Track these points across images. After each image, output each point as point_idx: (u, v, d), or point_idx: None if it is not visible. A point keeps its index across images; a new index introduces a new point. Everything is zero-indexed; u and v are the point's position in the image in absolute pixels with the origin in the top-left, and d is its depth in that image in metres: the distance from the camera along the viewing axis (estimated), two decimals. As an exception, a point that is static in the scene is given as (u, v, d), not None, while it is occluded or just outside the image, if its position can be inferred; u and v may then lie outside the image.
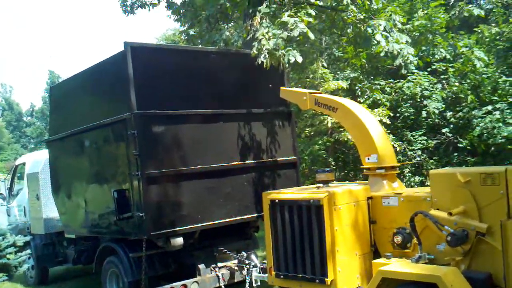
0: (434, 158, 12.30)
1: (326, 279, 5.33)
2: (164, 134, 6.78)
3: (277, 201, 5.80)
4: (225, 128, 7.34)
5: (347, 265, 5.42)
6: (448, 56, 10.29)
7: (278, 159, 7.83)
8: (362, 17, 8.13)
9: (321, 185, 5.98)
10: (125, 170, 6.81)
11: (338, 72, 13.47)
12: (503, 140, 10.26)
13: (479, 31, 12.67)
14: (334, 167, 13.36)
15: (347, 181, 7.52)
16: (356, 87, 12.63)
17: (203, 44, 11.01)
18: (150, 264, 6.97)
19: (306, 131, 13.14)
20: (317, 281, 5.41)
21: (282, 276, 5.77)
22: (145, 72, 6.74)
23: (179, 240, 6.76)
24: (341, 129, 12.61)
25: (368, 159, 6.00)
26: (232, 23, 11.90)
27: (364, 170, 6.12)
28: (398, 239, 5.43)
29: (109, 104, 7.29)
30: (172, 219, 6.70)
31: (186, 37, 12.76)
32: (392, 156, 6.13)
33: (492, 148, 10.90)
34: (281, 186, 7.42)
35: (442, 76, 12.39)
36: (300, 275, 5.57)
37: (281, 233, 5.74)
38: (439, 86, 12.28)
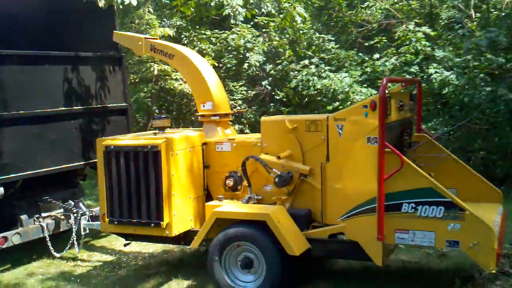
0: (252, 107, 13.01)
1: (161, 222, 5.45)
2: (-18, 76, 6.15)
3: (112, 147, 5.68)
4: (51, 71, 6.87)
5: (182, 209, 5.60)
6: (273, 11, 10.81)
7: (108, 105, 7.61)
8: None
9: (157, 131, 6.03)
10: None
11: (165, 20, 13.29)
12: (315, 92, 11.25)
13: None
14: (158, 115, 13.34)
15: (181, 128, 7.65)
16: (183, 36, 12.63)
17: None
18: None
19: (132, 78, 12.84)
20: (153, 225, 5.51)
21: (116, 222, 5.74)
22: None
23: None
24: (167, 77, 12.60)
25: (203, 106, 6.18)
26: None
27: (199, 117, 6.30)
28: (230, 182, 5.75)
29: None
30: (-9, 168, 6.19)
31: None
32: (226, 103, 6.39)
33: (306, 99, 11.89)
34: (111, 133, 7.25)
35: (264, 30, 12.99)
36: (135, 220, 5.62)
37: (116, 180, 5.67)
38: (261, 39, 12.87)
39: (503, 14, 10.04)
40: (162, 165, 5.42)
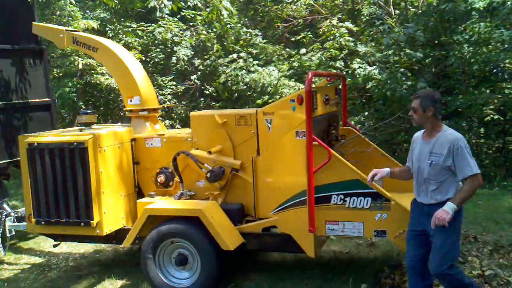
0: (183, 102, 12.89)
1: (91, 221, 5.30)
2: None
3: (36, 144, 5.45)
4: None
5: (112, 206, 5.48)
6: (200, 4, 10.70)
7: (29, 100, 7.29)
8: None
9: (83, 127, 5.84)
10: None
11: (88, 11, 12.86)
12: (244, 86, 11.29)
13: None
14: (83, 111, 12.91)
15: (109, 123, 7.45)
16: (108, 29, 12.27)
17: None
18: None
19: (55, 72, 12.33)
20: (82, 224, 5.35)
21: (43, 223, 5.52)
22: None
23: None
24: (93, 71, 12.22)
25: (131, 101, 6.05)
26: None
27: (127, 112, 6.17)
28: (161, 178, 5.67)
29: None
30: None
31: None
32: (154, 98, 6.29)
33: (236, 95, 11.92)
34: (35, 129, 6.97)
35: (191, 24, 12.88)
36: (64, 220, 5.43)
37: (42, 178, 5.45)
38: (188, 33, 12.75)
39: (420, 11, 10.51)
40: (89, 162, 5.26)
